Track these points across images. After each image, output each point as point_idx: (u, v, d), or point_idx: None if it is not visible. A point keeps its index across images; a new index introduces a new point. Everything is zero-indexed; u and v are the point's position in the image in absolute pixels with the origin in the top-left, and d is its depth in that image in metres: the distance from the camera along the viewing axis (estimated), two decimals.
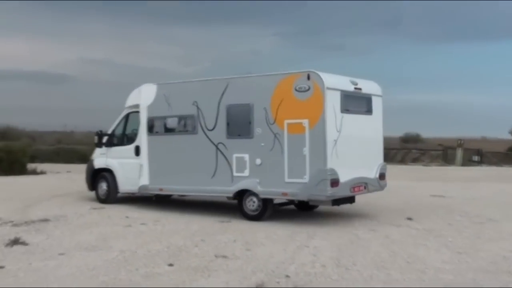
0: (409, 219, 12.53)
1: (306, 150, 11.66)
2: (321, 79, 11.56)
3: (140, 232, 10.73)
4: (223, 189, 12.87)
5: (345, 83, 12.34)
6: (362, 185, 12.48)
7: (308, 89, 11.69)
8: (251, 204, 12.65)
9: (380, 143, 13.47)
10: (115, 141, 15.70)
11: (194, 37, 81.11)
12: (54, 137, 40.73)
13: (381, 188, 13.26)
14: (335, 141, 11.67)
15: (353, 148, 12.21)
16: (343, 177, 11.73)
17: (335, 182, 11.52)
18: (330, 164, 11.48)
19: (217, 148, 13.07)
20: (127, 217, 12.60)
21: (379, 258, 8.76)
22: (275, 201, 12.76)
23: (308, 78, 11.72)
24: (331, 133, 11.59)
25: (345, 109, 12.04)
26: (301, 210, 14.10)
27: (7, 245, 9.56)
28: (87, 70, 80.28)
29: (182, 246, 9.44)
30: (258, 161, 12.39)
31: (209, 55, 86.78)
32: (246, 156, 12.61)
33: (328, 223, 11.96)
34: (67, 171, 26.51)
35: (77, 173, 23.33)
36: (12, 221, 11.88)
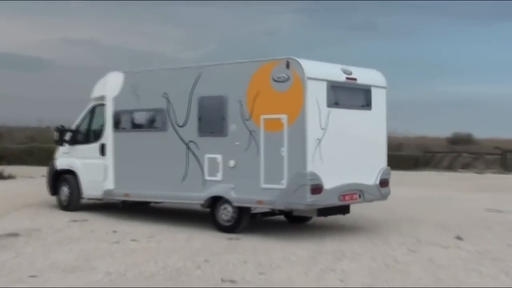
0: (459, 238, 12.53)
1: (284, 151, 11.87)
2: (301, 67, 11.71)
3: (131, 250, 10.80)
4: (194, 195, 13.20)
5: (334, 72, 12.49)
6: (356, 193, 12.61)
7: (287, 79, 11.85)
8: (225, 213, 12.92)
9: (383, 143, 13.57)
10: (79, 138, 16.08)
11: (198, 16, 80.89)
12: (26, 134, 40.72)
13: (383, 197, 13.39)
14: (319, 140, 11.85)
15: (344, 149, 12.42)
16: (329, 183, 11.90)
17: (316, 189, 11.69)
18: (311, 168, 11.67)
19: (188, 148, 13.40)
20: (114, 231, 12.69)
21: (421, 286, 8.77)
22: (257, 210, 13.05)
23: (287, 66, 11.86)
24: (313, 131, 11.76)
25: (333, 103, 12.21)
26: (292, 222, 14.27)
27: None
28: (68, 53, 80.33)
29: (182, 268, 9.51)
30: (231, 163, 12.67)
31: (216, 36, 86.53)
32: (219, 157, 12.89)
33: (358, 241, 11.98)
34: (42, 175, 26.59)
35: None
36: None
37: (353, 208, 13.50)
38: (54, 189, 16.53)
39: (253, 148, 12.30)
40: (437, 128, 63.37)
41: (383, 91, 13.48)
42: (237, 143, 12.54)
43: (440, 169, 36.20)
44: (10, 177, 25.32)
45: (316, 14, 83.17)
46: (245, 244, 11.50)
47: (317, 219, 13.82)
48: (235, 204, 12.66)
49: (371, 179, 12.98)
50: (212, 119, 13.05)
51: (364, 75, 13.08)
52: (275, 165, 11.95)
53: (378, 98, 13.29)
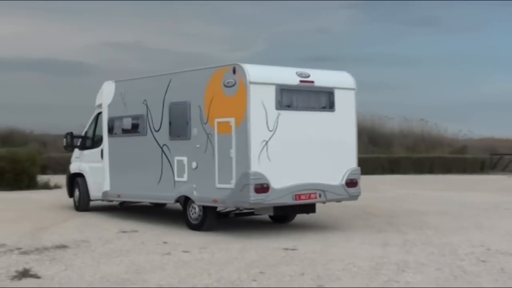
0: None
1: (232, 152, 13.32)
2: (245, 72, 13.06)
3: (183, 262, 10.87)
4: (166, 195, 15.05)
5: (286, 76, 13.74)
6: (315, 192, 13.85)
7: (234, 84, 13.28)
8: (193, 212, 14.59)
9: (351, 144, 14.62)
10: (87, 143, 18.38)
11: (245, 14, 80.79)
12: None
13: (351, 197, 14.49)
14: (266, 142, 13.20)
15: (299, 150, 13.70)
16: (279, 183, 13.25)
17: (261, 188, 13.06)
18: (256, 168, 13.05)
19: (162, 151, 15.18)
20: (165, 242, 12.79)
21: None
22: (229, 210, 14.63)
23: (234, 72, 13.28)
24: (258, 133, 13.13)
25: (284, 105, 13.51)
26: (276, 222, 15.66)
27: (13, 278, 9.74)
28: (110, 57, 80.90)
29: (237, 281, 9.53)
30: (194, 164, 14.30)
31: (264, 35, 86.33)
32: (185, 159, 14.54)
33: (423, 251, 11.87)
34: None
35: None
36: (20, 248, 12.18)
37: (416, 214, 13.37)
38: (71, 191, 18.82)
39: (210, 150, 13.81)
40: (505, 129, 62.39)
41: (351, 92, 14.65)
42: (197, 146, 14.10)
43: (508, 172, 35.63)
44: (56, 187, 25.71)
45: (372, 9, 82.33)
46: (302, 255, 11.48)
47: (370, 226, 13.72)
48: (197, 203, 14.29)
49: (335, 179, 14.17)
50: (179, 124, 14.71)
51: (325, 78, 14.33)
52: (226, 166, 13.41)
53: (344, 99, 14.48)
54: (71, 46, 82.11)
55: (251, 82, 13.08)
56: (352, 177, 14.40)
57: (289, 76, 13.80)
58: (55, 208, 19.12)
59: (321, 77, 14.22)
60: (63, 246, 12.33)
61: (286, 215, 15.40)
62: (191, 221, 14.59)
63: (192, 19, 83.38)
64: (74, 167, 18.69)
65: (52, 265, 10.70)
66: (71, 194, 18.76)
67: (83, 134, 18.66)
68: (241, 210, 14.61)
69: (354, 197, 14.64)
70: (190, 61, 76.46)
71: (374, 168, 38.74)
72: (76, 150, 18.76)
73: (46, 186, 25.95)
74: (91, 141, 18.15)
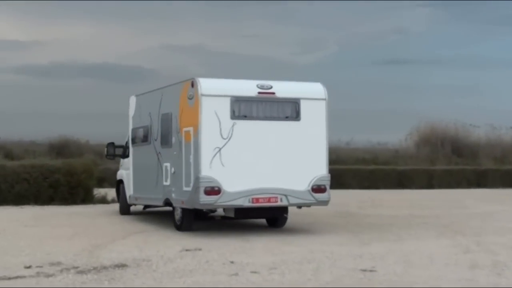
0: None
1: (191, 158, 16.10)
2: (199, 86, 15.93)
3: (251, 284, 10.83)
4: (158, 198, 18.09)
5: (243, 88, 16.41)
6: (276, 196, 16.20)
7: (193, 97, 16.12)
8: (176, 213, 17.40)
9: (319, 152, 16.94)
10: (126, 152, 21.45)
11: (316, 14, 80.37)
12: None
13: (319, 202, 16.82)
14: (219, 148, 15.88)
15: (257, 156, 16.17)
16: (233, 186, 15.80)
17: (211, 191, 15.72)
18: (207, 172, 15.77)
19: (158, 158, 18.22)
20: (232, 262, 12.76)
21: None
22: (215, 213, 17.79)
23: (192, 85, 16.14)
24: (210, 141, 15.86)
25: (240, 115, 16.14)
26: (271, 226, 18.34)
27: None
28: (170, 61, 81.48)
29: None
30: (172, 169, 17.23)
31: (336, 36, 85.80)
32: (169, 165, 17.49)
33: None
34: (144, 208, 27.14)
35: None
36: (77, 267, 12.26)
37: (507, 232, 13.04)
38: (117, 196, 22.75)
39: (181, 156, 16.58)
40: None
41: (321, 102, 16.95)
42: (175, 153, 17.04)
43: None
44: (114, 201, 25.85)
45: (453, 8, 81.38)
46: (382, 277, 11.33)
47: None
48: (174, 205, 17.29)
49: (300, 184, 16.48)
50: (165, 133, 17.74)
51: (289, 89, 16.80)
52: (188, 170, 16.25)
53: (312, 110, 16.79)
54: (128, 50, 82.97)
55: (202, 95, 15.95)
56: (319, 183, 16.79)
57: (247, 88, 16.45)
58: (113, 223, 19.31)
59: (285, 89, 16.74)
60: (122, 265, 12.39)
61: (275, 219, 18.19)
62: (176, 221, 17.45)
63: (257, 20, 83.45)
64: (118, 174, 22.41)
65: (111, 285, 10.77)
66: (117, 199, 22.72)
67: (124, 144, 21.78)
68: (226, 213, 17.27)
69: (323, 202, 16.98)
70: (255, 65, 76.55)
71: (458, 181, 38.28)
72: (121, 159, 22.40)
73: (103, 200, 26.14)
74: (127, 150, 21.17)
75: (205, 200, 15.80)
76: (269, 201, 16.21)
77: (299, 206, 17.34)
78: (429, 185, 37.54)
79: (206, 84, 16.08)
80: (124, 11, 78.15)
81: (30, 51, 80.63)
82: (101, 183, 29.93)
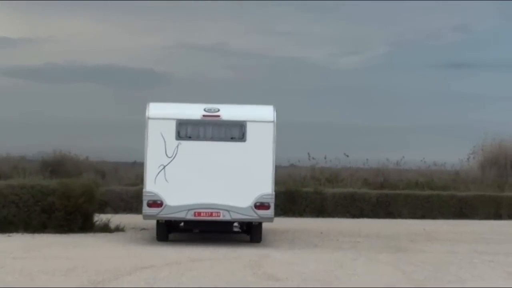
0: None
1: (144, 174, 21.61)
2: (147, 109, 21.57)
3: None
4: None
5: (188, 111, 21.71)
6: (218, 211, 21.13)
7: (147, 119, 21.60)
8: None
9: (265, 171, 21.28)
10: None
11: (361, 10, 79.75)
12: (136, 172, 41.64)
13: (261, 218, 21.40)
14: (164, 166, 21.19)
15: (200, 174, 21.15)
16: (175, 201, 21.08)
17: (154, 203, 21.21)
18: (151, 187, 21.38)
19: None
20: None
21: None
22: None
23: (147, 108, 21.64)
24: (155, 159, 21.33)
25: (184, 136, 21.39)
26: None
27: None
28: (187, 63, 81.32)
29: None
30: None
31: (386, 36, 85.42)
32: None
33: None
34: (142, 228, 27.06)
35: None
36: None
37: None
38: None
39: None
40: None
41: (269, 125, 21.44)
42: None
43: None
44: (118, 229, 25.89)
45: None
46: None
47: None
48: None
49: (243, 201, 21.07)
50: None
51: (236, 112, 21.72)
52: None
53: (259, 131, 21.38)
54: (137, 50, 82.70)
55: (149, 118, 21.54)
56: (262, 200, 21.15)
57: (192, 111, 21.59)
58: (117, 256, 19.31)
59: (231, 112, 21.62)
60: None
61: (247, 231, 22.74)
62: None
63: (290, 15, 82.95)
64: None
65: None
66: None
67: None
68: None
69: (266, 219, 21.54)
70: (286, 68, 76.51)
71: None
72: None
73: (105, 229, 25.99)
74: None
75: (147, 212, 21.57)
76: (211, 215, 21.19)
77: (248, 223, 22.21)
78: (497, 215, 37.19)
79: (154, 108, 21.74)
80: (132, 5, 77.93)
81: (22, 50, 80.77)
82: (103, 208, 29.91)
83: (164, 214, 21.30)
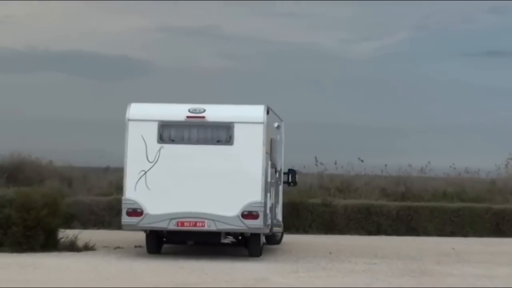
0: None
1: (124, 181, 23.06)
2: (127, 110, 22.99)
3: None
4: None
5: (171, 112, 23.30)
6: (203, 221, 22.47)
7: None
8: None
9: (254, 177, 22.61)
10: None
11: None
12: (108, 179, 41.61)
13: (250, 229, 22.74)
14: (145, 172, 22.55)
15: (183, 180, 22.50)
16: (156, 209, 22.48)
17: (133, 212, 22.58)
18: (131, 195, 22.76)
19: None
20: None
21: None
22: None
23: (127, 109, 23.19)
24: (135, 164, 22.76)
25: (167, 139, 22.87)
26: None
27: None
28: (172, 49, 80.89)
29: None
30: None
31: (408, 18, 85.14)
32: None
33: None
34: (136, 245, 27.17)
35: (173, 248, 24.30)
36: None
37: None
38: None
39: None
40: None
41: (258, 126, 22.71)
42: None
43: None
44: (87, 248, 25.87)
45: None
46: None
47: None
48: None
49: (230, 210, 22.38)
50: None
51: (222, 113, 23.27)
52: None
53: (248, 133, 22.71)
54: (112, 33, 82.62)
55: (129, 119, 22.97)
56: (250, 209, 22.43)
57: (176, 112, 23.13)
58: (85, 280, 19.33)
59: (218, 113, 23.16)
60: None
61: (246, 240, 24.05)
62: None
63: None
64: None
65: None
66: None
67: None
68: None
69: (255, 229, 22.89)
70: (290, 55, 76.28)
71: None
72: None
73: (72, 247, 25.93)
74: None
75: (126, 222, 23.11)
76: (195, 225, 22.63)
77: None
78: None
79: (134, 109, 23.18)
80: None
81: None
82: (69, 223, 29.91)
83: (145, 223, 22.67)
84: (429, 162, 45.38)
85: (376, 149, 57.34)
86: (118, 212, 34.90)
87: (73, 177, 42.04)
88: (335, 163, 42.38)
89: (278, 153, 27.05)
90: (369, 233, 35.04)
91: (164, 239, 24.42)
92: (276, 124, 25.81)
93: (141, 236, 24.65)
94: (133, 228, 23.18)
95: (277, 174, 27.17)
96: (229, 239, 24.38)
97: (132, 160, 22.88)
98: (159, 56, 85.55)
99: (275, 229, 26.72)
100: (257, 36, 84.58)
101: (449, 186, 42.67)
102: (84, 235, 26.80)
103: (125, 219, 22.95)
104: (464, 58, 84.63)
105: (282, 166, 28.88)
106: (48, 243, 25.69)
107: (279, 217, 27.87)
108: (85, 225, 32.84)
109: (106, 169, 43.00)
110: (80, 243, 26.14)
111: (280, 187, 28.44)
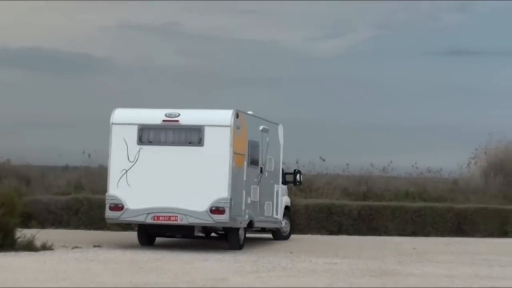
0: None
1: (108, 179, 26.47)
2: (112, 115, 26.11)
3: None
4: None
5: (150, 116, 26.41)
6: (176, 215, 25.44)
7: None
8: None
9: (221, 175, 25.37)
10: None
11: None
12: (67, 178, 41.48)
13: (217, 223, 25.77)
14: (126, 170, 25.79)
15: (159, 178, 25.61)
16: (135, 204, 25.64)
17: (115, 207, 25.86)
18: (114, 191, 26.08)
19: None
20: None
21: None
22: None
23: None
24: (118, 164, 26.05)
25: (146, 141, 26.12)
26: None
27: None
28: (131, 47, 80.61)
29: None
30: None
31: (372, 15, 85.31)
32: None
33: None
34: (95, 245, 27.23)
35: (133, 248, 24.15)
36: None
37: None
38: None
39: None
40: None
41: (226, 129, 25.50)
42: None
43: None
44: (44, 247, 25.78)
45: None
46: None
47: None
48: None
49: (199, 205, 25.28)
50: None
51: (195, 117, 26.24)
52: None
53: (216, 136, 25.60)
54: (71, 30, 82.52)
55: (113, 123, 26.33)
56: (218, 205, 25.28)
57: (154, 116, 26.25)
58: (43, 280, 19.21)
59: (190, 116, 26.12)
60: None
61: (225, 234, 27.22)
62: None
63: None
64: None
65: None
66: None
67: None
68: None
69: (221, 223, 25.85)
70: (252, 53, 76.19)
71: None
72: None
73: (29, 247, 25.84)
74: None
75: (109, 215, 26.55)
76: (169, 219, 25.71)
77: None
78: (502, 232, 37.55)
79: (118, 114, 26.49)
80: None
81: None
82: (26, 222, 29.78)
83: (125, 217, 26.17)
84: (391, 162, 45.72)
85: (338, 148, 57.35)
86: (77, 212, 35.51)
87: (30, 176, 41.94)
88: (297, 162, 42.26)
89: (265, 154, 28.97)
90: (330, 232, 35.30)
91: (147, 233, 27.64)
92: (261, 127, 28.23)
93: (99, 236, 25.10)
94: (115, 221, 27.41)
95: (266, 173, 29.04)
96: (201, 232, 27.15)
97: (115, 160, 26.32)
98: (119, 53, 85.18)
99: (263, 224, 29.43)
100: (218, 33, 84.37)
101: (411, 186, 42.91)
102: (42, 235, 26.70)
103: (108, 213, 26.33)
104: (427, 57, 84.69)
105: (280, 166, 31.22)
106: (5, 243, 25.58)
107: (273, 213, 29.97)
108: (43, 225, 32.81)
109: (65, 168, 42.91)
110: (37, 242, 26.06)
111: (276, 186, 30.47)
